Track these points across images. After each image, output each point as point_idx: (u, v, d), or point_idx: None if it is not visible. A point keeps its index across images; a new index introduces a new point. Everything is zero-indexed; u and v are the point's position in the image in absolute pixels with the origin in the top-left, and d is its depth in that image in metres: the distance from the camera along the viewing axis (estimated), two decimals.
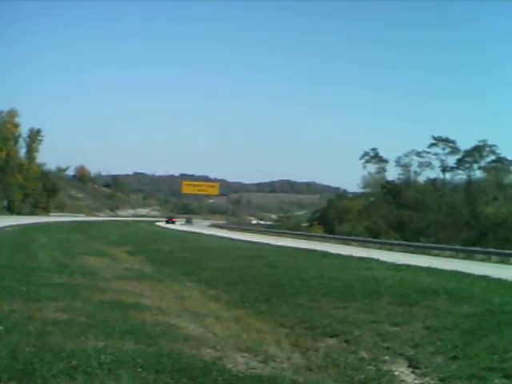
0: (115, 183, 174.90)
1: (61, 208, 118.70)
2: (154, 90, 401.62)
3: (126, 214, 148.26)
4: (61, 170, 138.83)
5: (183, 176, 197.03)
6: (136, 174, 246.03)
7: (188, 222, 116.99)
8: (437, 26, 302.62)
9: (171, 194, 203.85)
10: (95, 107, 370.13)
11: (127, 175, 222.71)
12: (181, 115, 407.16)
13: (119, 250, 30.57)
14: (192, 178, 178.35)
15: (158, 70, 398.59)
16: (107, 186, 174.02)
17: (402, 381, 7.99)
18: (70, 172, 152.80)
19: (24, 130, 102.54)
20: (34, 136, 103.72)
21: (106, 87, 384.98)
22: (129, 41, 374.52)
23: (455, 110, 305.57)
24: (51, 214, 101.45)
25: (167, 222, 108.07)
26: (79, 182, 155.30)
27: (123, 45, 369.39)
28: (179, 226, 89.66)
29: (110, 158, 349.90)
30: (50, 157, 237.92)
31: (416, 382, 8.00)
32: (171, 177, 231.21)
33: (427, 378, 8.08)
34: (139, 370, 6.71)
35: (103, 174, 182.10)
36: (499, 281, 17.92)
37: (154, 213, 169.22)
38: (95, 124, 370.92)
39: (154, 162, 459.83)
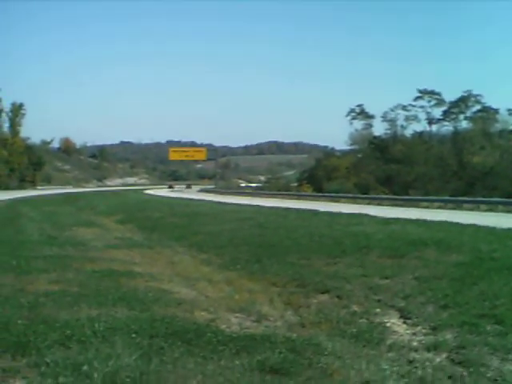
0: (101, 153, 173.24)
1: (48, 181, 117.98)
2: (136, 59, 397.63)
3: (114, 184, 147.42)
4: (45, 143, 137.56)
5: (170, 143, 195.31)
6: (122, 143, 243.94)
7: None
8: None
9: (159, 161, 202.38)
10: (78, 79, 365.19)
11: (113, 145, 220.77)
12: (165, 82, 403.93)
13: (109, 219, 30.54)
14: (179, 144, 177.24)
15: (143, 41, 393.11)
16: (93, 156, 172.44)
17: (394, 331, 8.10)
18: (55, 144, 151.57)
19: (6, 105, 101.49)
20: (17, 110, 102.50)
21: (88, 59, 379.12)
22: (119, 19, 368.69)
23: (439, 67, 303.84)
24: (38, 187, 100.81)
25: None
26: (65, 153, 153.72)
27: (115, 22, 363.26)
28: (168, 192, 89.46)
29: (95, 129, 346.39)
30: (33, 130, 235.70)
31: (408, 331, 8.10)
32: (158, 144, 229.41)
33: (419, 328, 8.19)
34: (133, 335, 6.74)
35: (89, 144, 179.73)
36: (487, 228, 18.05)
37: (142, 181, 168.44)
38: (79, 95, 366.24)
39: (139, 131, 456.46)
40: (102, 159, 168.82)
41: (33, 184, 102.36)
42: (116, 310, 8.11)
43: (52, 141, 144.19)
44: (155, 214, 31.36)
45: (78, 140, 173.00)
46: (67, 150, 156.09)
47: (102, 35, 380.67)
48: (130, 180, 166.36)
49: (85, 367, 5.56)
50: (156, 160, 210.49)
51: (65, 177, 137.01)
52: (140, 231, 23.57)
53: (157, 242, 19.41)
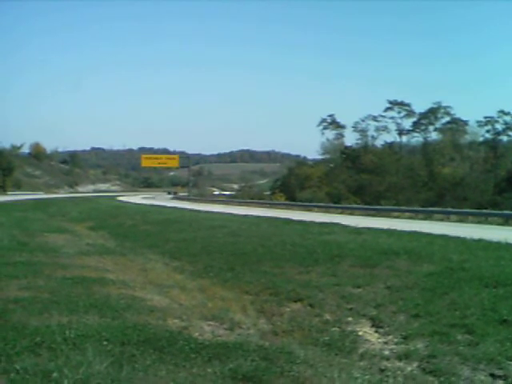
0: (73, 159, 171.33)
1: (18, 186, 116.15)
2: (107, 65, 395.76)
3: (85, 190, 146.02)
4: (15, 148, 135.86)
5: (142, 150, 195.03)
6: (94, 149, 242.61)
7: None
8: None
9: (131, 168, 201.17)
10: (50, 83, 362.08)
11: (84, 151, 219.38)
12: (137, 88, 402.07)
13: (80, 226, 30.26)
14: (151, 151, 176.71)
15: (112, 47, 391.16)
16: (64, 162, 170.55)
17: (366, 340, 8.16)
18: (25, 150, 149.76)
19: None
20: None
21: (60, 65, 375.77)
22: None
23: (409, 75, 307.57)
24: (9, 192, 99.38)
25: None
26: (35, 159, 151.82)
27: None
28: (141, 199, 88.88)
29: (66, 134, 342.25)
30: (3, 135, 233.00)
31: (379, 340, 8.17)
32: (130, 151, 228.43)
33: (390, 337, 8.25)
34: (105, 343, 6.68)
35: (60, 150, 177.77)
36: (458, 239, 18.25)
37: (114, 188, 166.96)
38: (50, 100, 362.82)
39: (111, 137, 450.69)
40: (73, 165, 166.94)
41: (3, 189, 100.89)
42: (87, 317, 8.02)
43: (22, 146, 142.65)
44: (127, 221, 31.17)
45: (49, 145, 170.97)
46: (38, 155, 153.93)
47: (73, 41, 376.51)
48: (103, 186, 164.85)
49: (55, 374, 5.48)
50: (128, 167, 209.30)
51: (35, 182, 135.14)
52: (112, 238, 23.40)
53: (129, 249, 19.29)
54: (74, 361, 5.90)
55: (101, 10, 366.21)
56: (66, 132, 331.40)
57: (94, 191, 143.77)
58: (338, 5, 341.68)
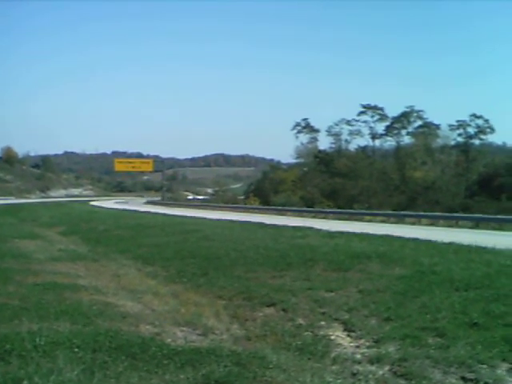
0: (45, 163, 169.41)
1: None
2: (79, 68, 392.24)
3: (58, 195, 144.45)
4: None
5: (115, 154, 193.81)
6: (66, 153, 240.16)
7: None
8: None
9: (104, 172, 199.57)
10: (21, 87, 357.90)
11: (57, 155, 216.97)
12: (109, 92, 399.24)
13: (52, 231, 30.00)
14: (125, 155, 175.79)
15: (85, 47, 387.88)
16: (36, 166, 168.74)
17: (338, 344, 8.20)
18: None
19: None
20: None
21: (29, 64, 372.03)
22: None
23: (383, 73, 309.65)
24: None
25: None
26: (6, 163, 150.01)
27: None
28: (113, 204, 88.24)
29: (37, 138, 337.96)
30: None
31: (351, 344, 8.22)
32: (103, 155, 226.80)
33: (362, 341, 8.31)
34: (76, 350, 6.61)
35: (32, 154, 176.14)
36: (429, 242, 18.42)
37: (87, 192, 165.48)
38: (22, 103, 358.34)
39: (84, 141, 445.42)
40: (45, 169, 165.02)
41: None
42: (58, 324, 7.94)
43: None
44: (100, 226, 30.96)
45: (20, 149, 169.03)
46: (9, 159, 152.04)
47: (44, 46, 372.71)
48: (75, 191, 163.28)
49: (25, 382, 5.42)
50: (101, 171, 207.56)
51: (6, 187, 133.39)
52: (84, 243, 23.23)
53: (102, 254, 19.17)
54: (44, 368, 5.84)
55: (76, 12, 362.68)
56: (39, 136, 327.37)
57: (67, 196, 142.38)
58: None
